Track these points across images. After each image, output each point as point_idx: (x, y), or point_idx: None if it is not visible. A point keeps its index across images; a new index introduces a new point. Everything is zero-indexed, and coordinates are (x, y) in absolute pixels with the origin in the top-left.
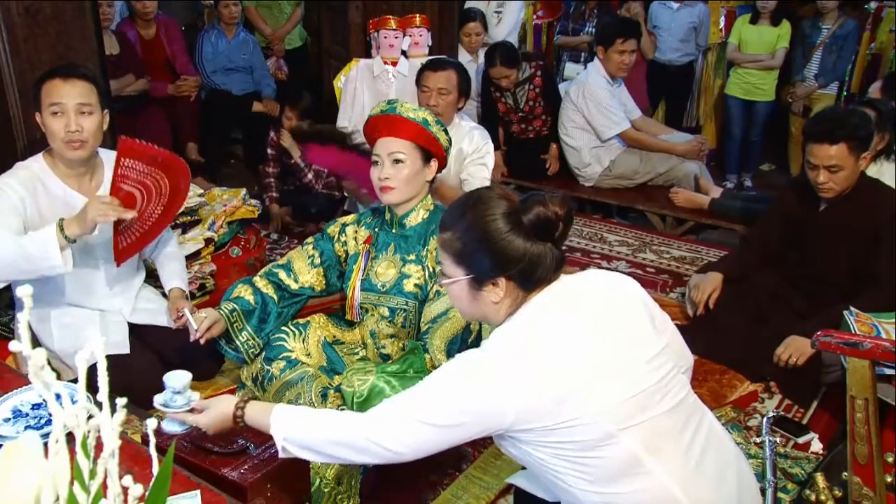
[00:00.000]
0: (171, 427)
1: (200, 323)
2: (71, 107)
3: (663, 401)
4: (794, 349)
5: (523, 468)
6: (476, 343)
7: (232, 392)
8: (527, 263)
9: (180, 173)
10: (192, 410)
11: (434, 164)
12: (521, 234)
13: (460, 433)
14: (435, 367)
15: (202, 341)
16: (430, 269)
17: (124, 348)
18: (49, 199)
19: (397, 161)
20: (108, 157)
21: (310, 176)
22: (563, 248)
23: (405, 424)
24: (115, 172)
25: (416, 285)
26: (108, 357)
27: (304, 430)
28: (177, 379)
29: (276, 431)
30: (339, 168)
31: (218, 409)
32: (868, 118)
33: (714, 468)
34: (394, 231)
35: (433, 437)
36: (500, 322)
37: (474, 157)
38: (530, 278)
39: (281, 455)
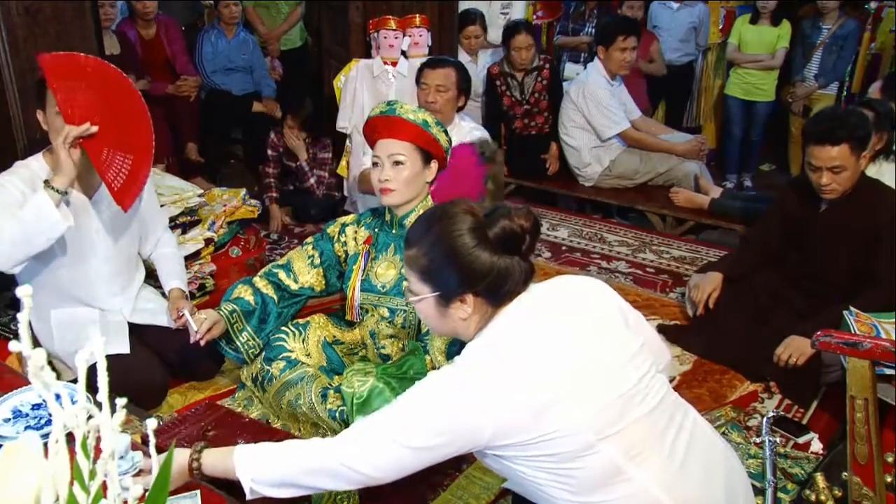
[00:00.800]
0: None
1: (200, 324)
2: None
3: (643, 402)
4: (794, 349)
5: None
6: None
7: (232, 392)
8: (494, 278)
9: (118, 81)
10: (139, 473)
11: (434, 165)
12: (487, 248)
13: (437, 453)
14: (435, 369)
15: (202, 343)
16: None
17: (124, 348)
18: None
19: (397, 163)
20: None
21: (312, 180)
22: (532, 260)
23: (379, 447)
24: (56, 98)
25: None
26: (108, 357)
27: (272, 466)
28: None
29: (242, 474)
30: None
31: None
32: (866, 117)
33: (700, 467)
34: (394, 232)
35: (409, 458)
36: (471, 337)
37: None
38: (498, 292)
39: (249, 497)
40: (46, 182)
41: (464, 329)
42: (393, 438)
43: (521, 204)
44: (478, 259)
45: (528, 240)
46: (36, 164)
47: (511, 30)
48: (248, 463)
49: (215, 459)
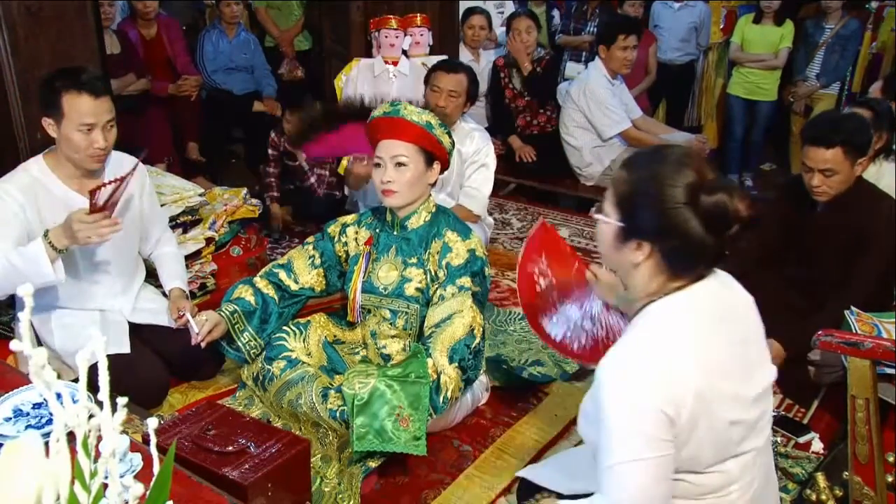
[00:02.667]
0: None
1: (201, 326)
2: (100, 124)
3: (759, 436)
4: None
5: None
6: (479, 349)
7: (233, 391)
8: (682, 243)
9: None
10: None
11: (437, 166)
12: (691, 211)
13: (666, 449)
14: (437, 372)
15: (203, 345)
16: (432, 273)
17: (125, 347)
18: (50, 202)
19: (400, 164)
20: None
21: (312, 179)
22: (725, 252)
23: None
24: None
25: (417, 289)
26: (109, 356)
27: None
28: None
29: None
30: (338, 151)
31: None
32: (867, 124)
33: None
34: (395, 233)
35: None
36: (636, 296)
37: (474, 158)
38: (678, 261)
39: None
40: (46, 233)
41: (630, 275)
42: (618, 459)
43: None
44: (677, 217)
45: (735, 227)
46: (36, 168)
47: (512, 14)
48: None
49: None
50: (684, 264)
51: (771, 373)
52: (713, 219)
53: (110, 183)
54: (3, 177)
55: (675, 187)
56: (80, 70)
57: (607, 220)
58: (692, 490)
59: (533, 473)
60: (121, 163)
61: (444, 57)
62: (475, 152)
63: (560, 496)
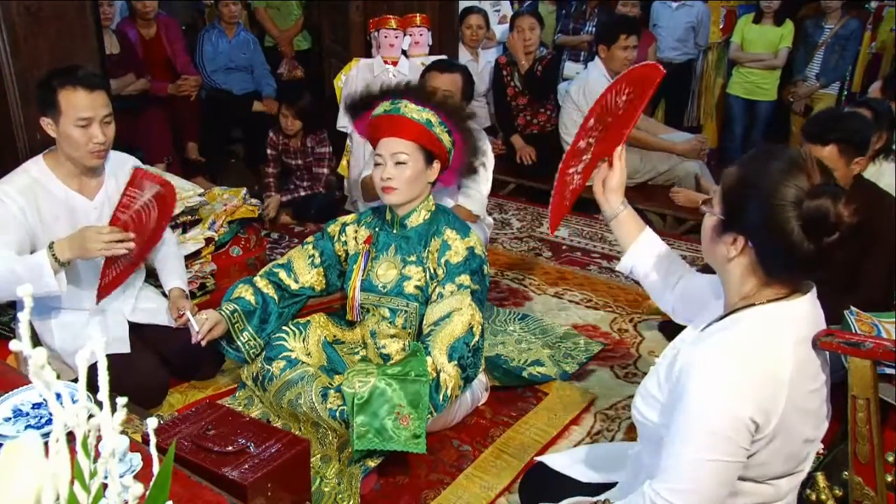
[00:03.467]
0: None
1: (202, 325)
2: (98, 118)
3: (810, 458)
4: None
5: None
6: (478, 347)
7: (233, 391)
8: (776, 244)
9: (168, 209)
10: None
11: (437, 165)
12: (793, 212)
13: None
14: (437, 371)
15: (203, 344)
16: (431, 271)
17: (125, 347)
18: (50, 202)
19: (400, 162)
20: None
21: (305, 184)
22: (819, 270)
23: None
24: (120, 201)
25: (416, 287)
26: (109, 356)
27: None
28: None
29: None
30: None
31: None
32: (867, 123)
33: None
34: (394, 231)
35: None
36: (731, 295)
37: None
38: (772, 263)
39: None
40: (51, 245)
41: (724, 270)
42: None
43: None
44: (776, 215)
45: (835, 235)
46: (36, 169)
47: (517, 12)
48: None
49: None
50: (777, 267)
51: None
52: (811, 222)
53: (135, 195)
54: (2, 178)
55: (780, 184)
56: (75, 68)
57: (710, 212)
58: (746, 499)
59: (552, 459)
60: (122, 163)
61: (444, 57)
62: None
63: (578, 483)
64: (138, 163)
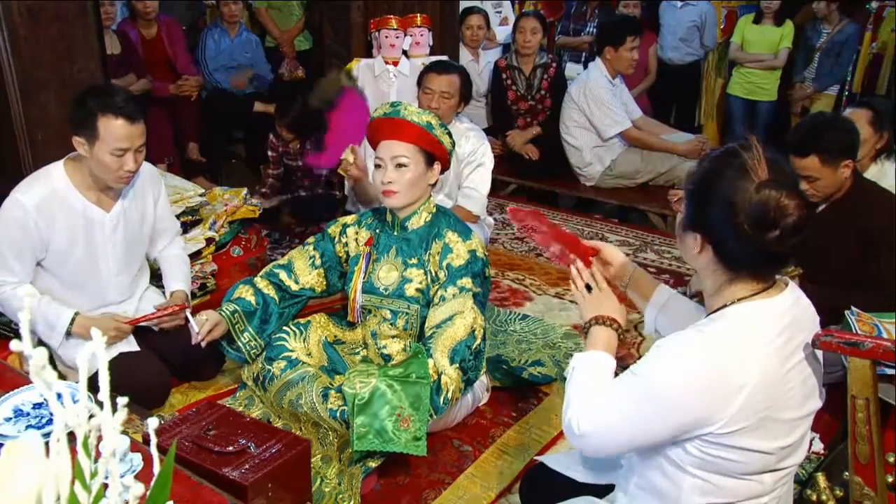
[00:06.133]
0: None
1: (202, 325)
2: (134, 148)
3: (794, 457)
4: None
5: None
6: (480, 350)
7: (233, 391)
8: (728, 240)
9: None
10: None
11: (437, 167)
12: (741, 209)
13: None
14: (438, 373)
15: (203, 344)
16: (433, 273)
17: (133, 346)
18: (67, 214)
19: (400, 165)
20: None
21: (302, 190)
22: (777, 264)
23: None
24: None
25: (417, 289)
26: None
27: None
28: None
29: None
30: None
31: None
32: (848, 129)
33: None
34: (395, 233)
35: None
36: (707, 292)
37: (470, 159)
38: (729, 258)
39: None
40: (75, 315)
41: (696, 265)
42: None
43: (525, 204)
44: (728, 213)
45: (779, 230)
46: (57, 177)
47: (520, 15)
48: None
49: None
50: (734, 263)
51: (817, 403)
52: (756, 218)
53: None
54: (22, 182)
55: (730, 183)
56: (114, 91)
57: (679, 210)
58: (726, 493)
59: (552, 460)
60: (140, 173)
61: (444, 57)
62: (471, 152)
63: (575, 484)
64: (155, 172)
